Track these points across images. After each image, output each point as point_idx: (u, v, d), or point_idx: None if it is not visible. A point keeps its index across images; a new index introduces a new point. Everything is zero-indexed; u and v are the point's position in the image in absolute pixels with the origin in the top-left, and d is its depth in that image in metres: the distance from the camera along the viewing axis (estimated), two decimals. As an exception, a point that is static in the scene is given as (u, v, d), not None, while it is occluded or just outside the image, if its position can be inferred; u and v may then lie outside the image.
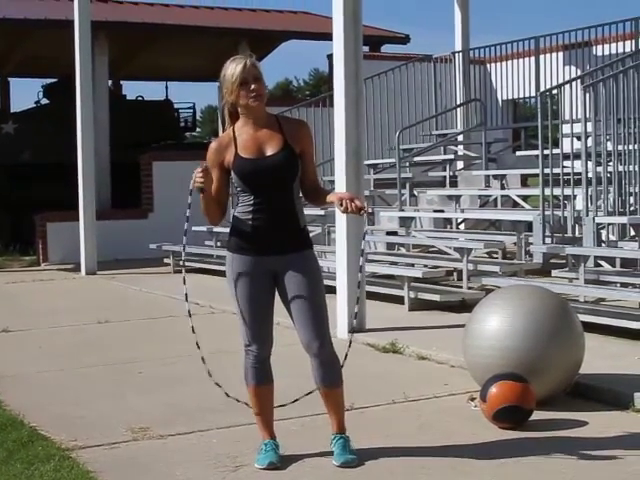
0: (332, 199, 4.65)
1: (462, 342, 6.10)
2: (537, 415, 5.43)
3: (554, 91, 10.95)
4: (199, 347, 4.84)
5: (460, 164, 15.27)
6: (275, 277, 4.73)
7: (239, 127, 4.75)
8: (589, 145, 9.79)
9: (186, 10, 21.59)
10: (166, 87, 24.90)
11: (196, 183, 4.53)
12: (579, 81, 10.48)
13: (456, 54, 16.22)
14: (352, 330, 5.27)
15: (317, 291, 4.71)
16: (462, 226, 13.02)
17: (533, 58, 14.90)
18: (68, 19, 14.90)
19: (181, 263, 4.81)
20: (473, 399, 5.81)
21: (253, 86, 4.62)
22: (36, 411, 6.00)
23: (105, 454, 5.09)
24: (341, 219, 8.29)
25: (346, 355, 4.80)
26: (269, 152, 4.67)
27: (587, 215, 9.54)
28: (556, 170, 9.96)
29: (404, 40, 21.05)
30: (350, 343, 4.90)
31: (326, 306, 4.76)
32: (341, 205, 4.51)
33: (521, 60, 15.29)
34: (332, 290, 8.35)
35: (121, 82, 23.73)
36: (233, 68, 4.63)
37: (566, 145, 10.25)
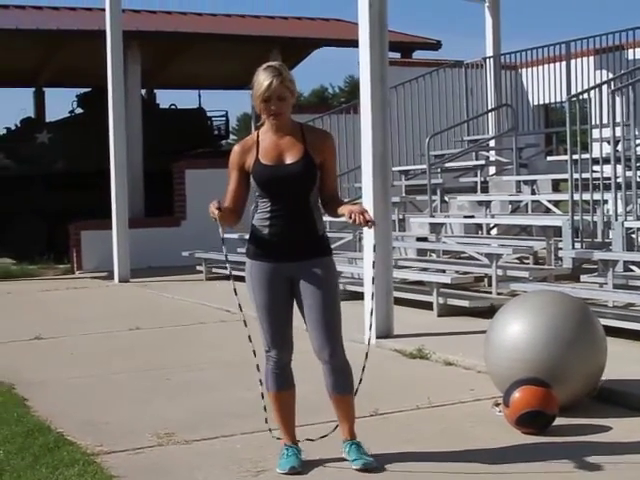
0: (343, 211, 4.70)
1: (484, 349, 6.09)
2: (560, 420, 5.40)
3: (584, 95, 10.89)
4: (255, 354, 4.86)
5: (492, 170, 15.22)
6: (292, 283, 4.76)
7: (263, 132, 4.81)
8: (619, 149, 9.73)
9: (218, 18, 21.71)
10: (199, 95, 24.96)
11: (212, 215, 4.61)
12: (608, 85, 10.43)
13: (487, 59, 16.18)
14: (369, 340, 5.29)
15: (331, 298, 4.74)
16: (494, 232, 12.98)
17: (564, 63, 14.83)
18: (101, 29, 15.03)
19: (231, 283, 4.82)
20: (498, 404, 5.78)
21: (273, 107, 4.67)
22: (63, 417, 6.07)
23: (129, 459, 5.13)
24: (368, 227, 8.28)
25: (364, 368, 4.81)
26: (288, 160, 4.72)
27: (617, 220, 9.49)
28: (586, 175, 9.92)
29: (436, 46, 21.00)
30: (367, 355, 4.88)
31: (340, 314, 4.78)
32: (350, 218, 4.56)
33: (552, 65, 15.22)
34: (362, 296, 8.38)
35: (154, 91, 23.85)
36: (260, 82, 4.65)
37: (596, 149, 10.20)
